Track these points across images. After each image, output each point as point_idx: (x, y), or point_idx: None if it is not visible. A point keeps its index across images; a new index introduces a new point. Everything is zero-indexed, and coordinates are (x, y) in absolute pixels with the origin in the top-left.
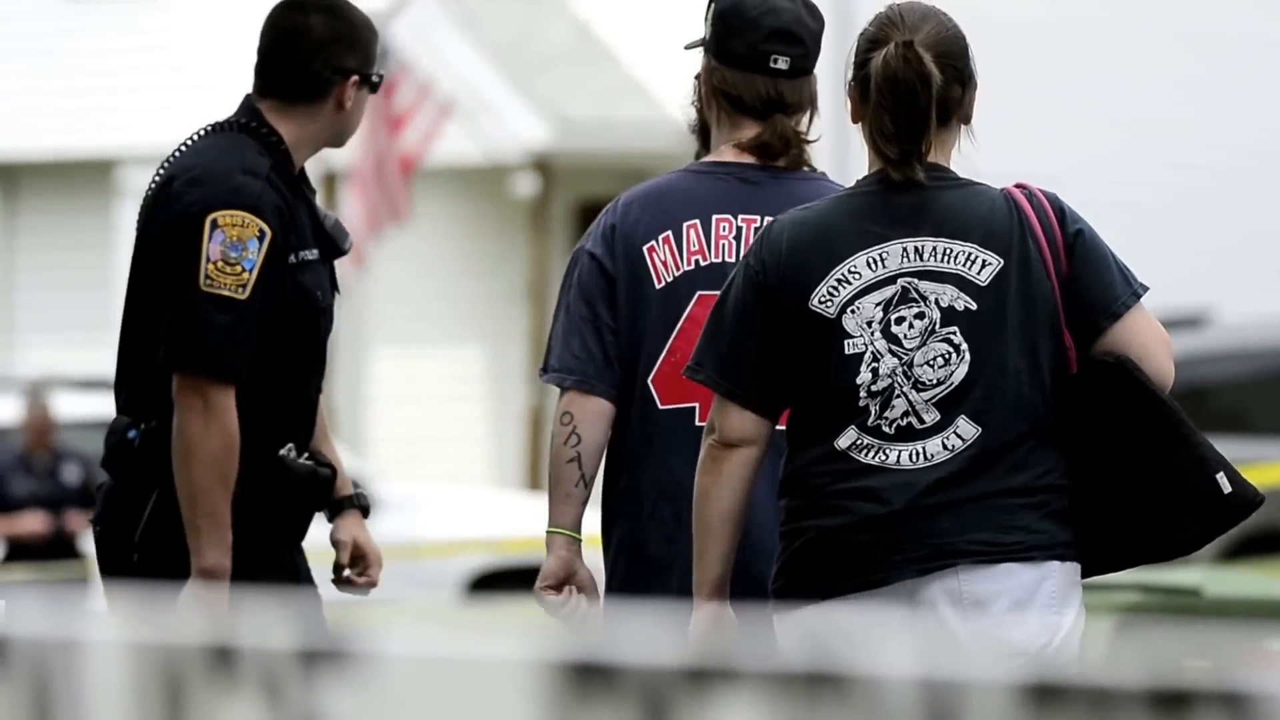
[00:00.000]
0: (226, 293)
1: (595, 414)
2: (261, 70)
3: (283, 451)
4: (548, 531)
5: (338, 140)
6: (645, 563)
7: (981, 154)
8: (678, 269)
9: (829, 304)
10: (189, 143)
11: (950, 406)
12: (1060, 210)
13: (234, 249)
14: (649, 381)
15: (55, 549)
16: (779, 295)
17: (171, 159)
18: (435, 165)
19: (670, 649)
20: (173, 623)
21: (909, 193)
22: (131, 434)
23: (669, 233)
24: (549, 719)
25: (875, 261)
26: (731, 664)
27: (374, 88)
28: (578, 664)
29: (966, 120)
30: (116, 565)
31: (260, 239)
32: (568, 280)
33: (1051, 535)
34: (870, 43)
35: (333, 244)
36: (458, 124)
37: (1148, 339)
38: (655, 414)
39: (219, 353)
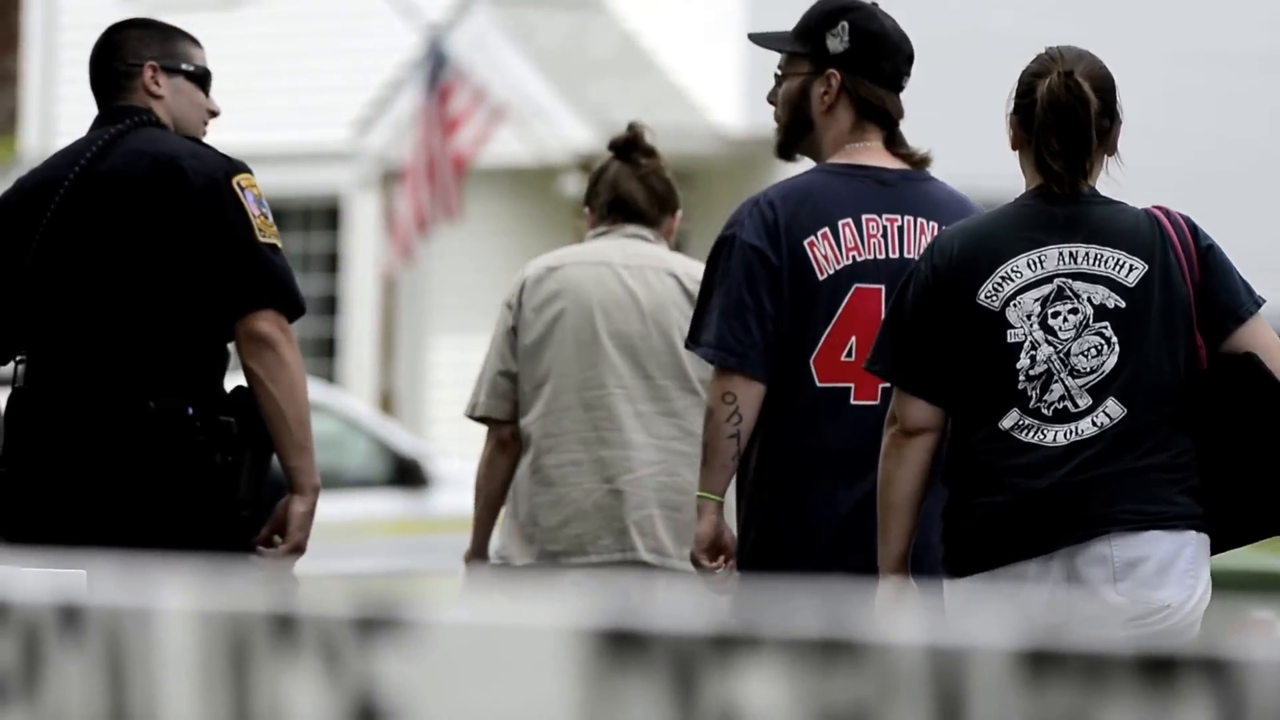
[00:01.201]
0: (274, 240)
1: (755, 397)
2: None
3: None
4: (700, 497)
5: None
6: (798, 523)
7: (997, 160)
8: (837, 263)
9: (994, 299)
10: (106, 138)
11: (1100, 391)
12: (1193, 228)
13: (261, 204)
14: (810, 362)
15: None
16: (950, 293)
17: (105, 154)
18: (488, 166)
19: (698, 618)
20: (239, 592)
21: (1064, 206)
22: (190, 411)
23: (826, 229)
24: (586, 684)
25: (1035, 263)
26: (754, 632)
27: (188, 76)
28: (613, 632)
29: (1112, 151)
30: (200, 536)
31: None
32: (721, 264)
33: (1188, 508)
34: (1033, 76)
35: None
36: (510, 128)
37: (1268, 342)
38: (814, 390)
39: (293, 290)
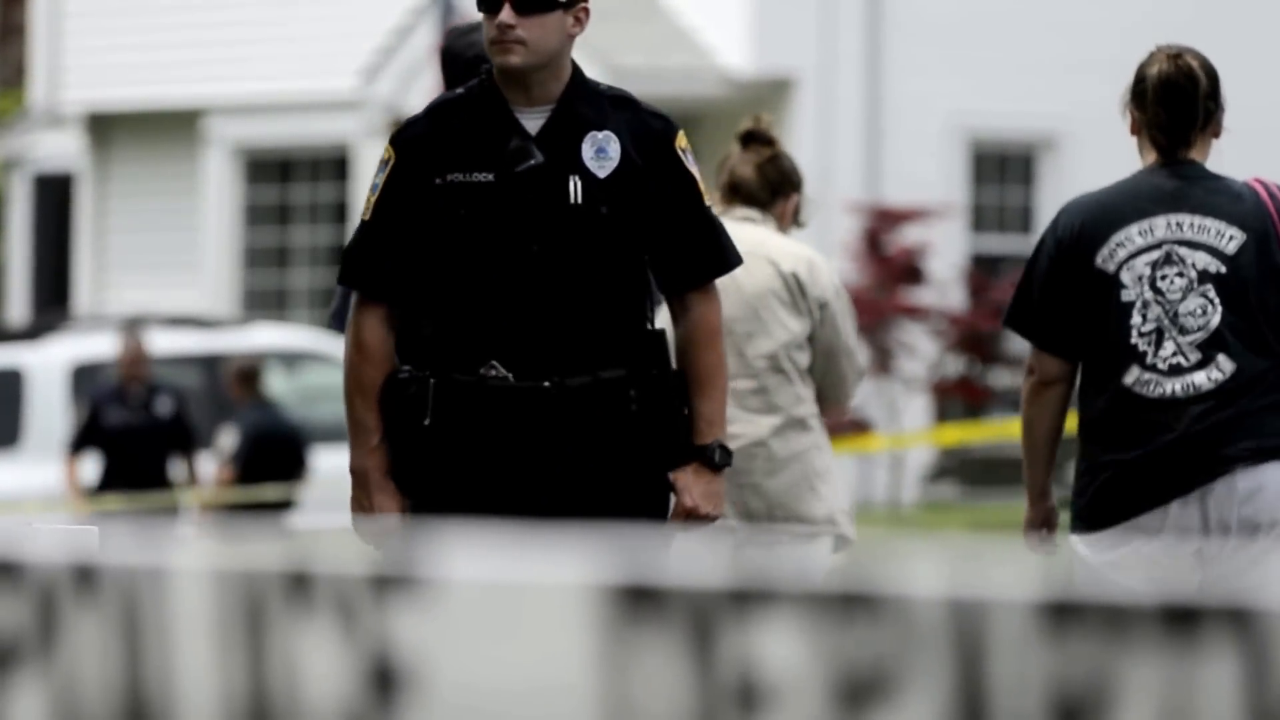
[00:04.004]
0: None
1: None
2: None
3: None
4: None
5: None
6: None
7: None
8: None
9: (1109, 262)
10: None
11: (1209, 347)
12: None
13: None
14: None
15: (148, 479)
16: (1073, 258)
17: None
18: None
19: (715, 572)
20: (253, 551)
21: (1172, 180)
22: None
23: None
24: (602, 640)
25: (1145, 231)
26: (771, 586)
27: None
28: (629, 587)
29: (1217, 134)
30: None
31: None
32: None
33: None
34: (1146, 65)
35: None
36: None
37: None
38: None
39: None
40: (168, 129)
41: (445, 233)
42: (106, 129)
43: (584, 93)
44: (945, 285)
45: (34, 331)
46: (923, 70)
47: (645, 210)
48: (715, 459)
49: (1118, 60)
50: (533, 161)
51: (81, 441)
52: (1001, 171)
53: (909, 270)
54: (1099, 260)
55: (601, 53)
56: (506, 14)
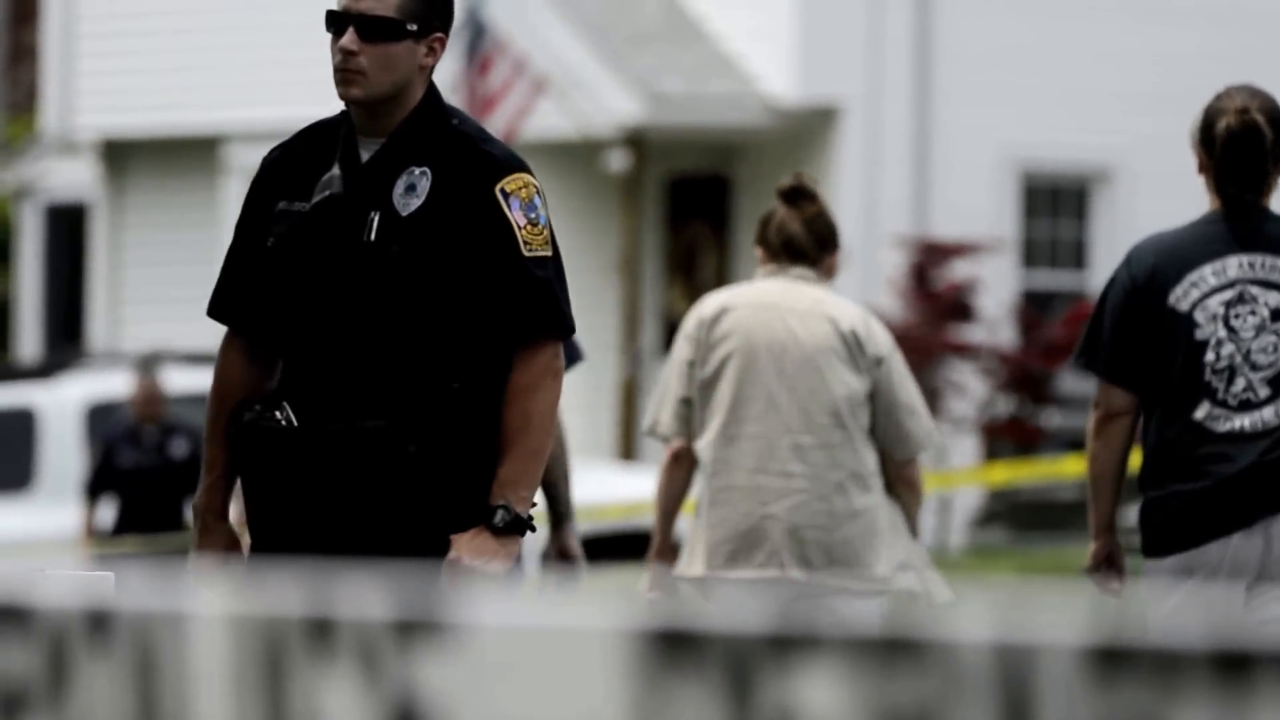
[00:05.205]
0: None
1: None
2: None
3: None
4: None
5: None
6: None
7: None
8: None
9: (1182, 302)
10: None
11: (1277, 382)
12: None
13: None
14: None
15: (164, 521)
16: (1146, 297)
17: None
18: (529, 141)
19: (753, 618)
20: (273, 596)
21: (1243, 221)
22: None
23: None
24: (636, 687)
25: (1219, 271)
26: (812, 632)
27: None
28: (664, 633)
29: None
30: None
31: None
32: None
33: None
34: (1214, 112)
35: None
36: (552, 100)
37: None
38: None
39: None
40: (186, 156)
41: (264, 263)
42: (122, 156)
43: (423, 125)
44: (995, 322)
45: (46, 369)
46: (973, 99)
47: (451, 255)
48: (495, 520)
49: (1173, 91)
50: (328, 193)
51: (97, 486)
52: (1054, 204)
53: (958, 307)
54: (1172, 299)
55: (640, 79)
56: (349, 39)
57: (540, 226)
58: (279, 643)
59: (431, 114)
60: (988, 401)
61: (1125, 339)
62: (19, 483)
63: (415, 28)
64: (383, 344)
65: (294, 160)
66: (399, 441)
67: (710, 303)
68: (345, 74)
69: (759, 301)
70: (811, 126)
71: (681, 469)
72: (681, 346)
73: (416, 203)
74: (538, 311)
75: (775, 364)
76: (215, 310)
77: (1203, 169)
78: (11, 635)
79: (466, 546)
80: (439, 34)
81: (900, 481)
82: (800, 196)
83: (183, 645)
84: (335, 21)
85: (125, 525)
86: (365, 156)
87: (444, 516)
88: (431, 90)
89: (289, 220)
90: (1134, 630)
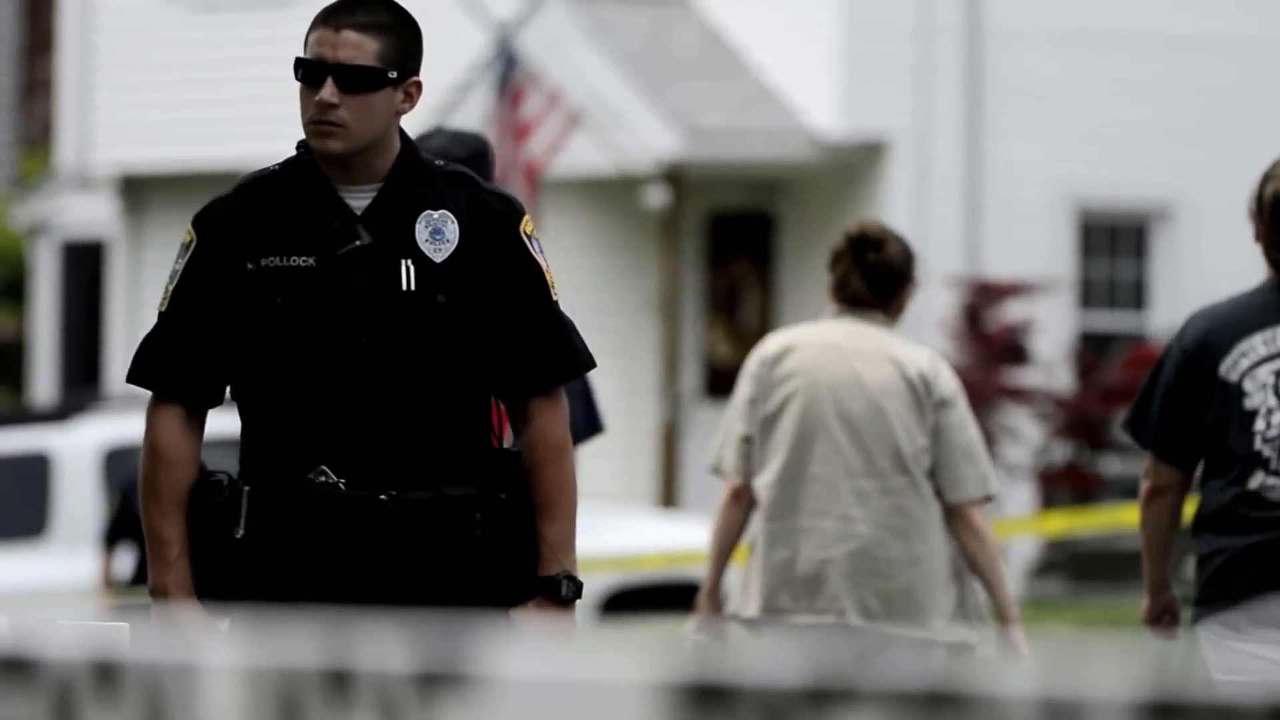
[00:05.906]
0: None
1: None
2: None
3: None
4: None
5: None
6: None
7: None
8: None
9: (1232, 372)
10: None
11: None
12: None
13: None
14: None
15: None
16: (1197, 368)
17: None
18: (565, 176)
19: (790, 669)
20: (288, 646)
21: None
22: None
23: None
24: None
25: (1269, 340)
26: (851, 684)
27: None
28: (697, 685)
29: None
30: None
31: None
32: None
33: None
34: (1264, 179)
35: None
36: (587, 134)
37: None
38: None
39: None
40: (206, 192)
41: (260, 323)
42: (140, 192)
43: (416, 169)
44: (1051, 365)
45: (62, 412)
46: (1026, 134)
47: (486, 301)
48: (562, 592)
49: (1234, 127)
50: (358, 243)
51: (115, 533)
52: (1112, 243)
53: (1012, 349)
54: (1222, 370)
55: (680, 112)
56: (329, 91)
57: (548, 269)
58: (295, 695)
59: (418, 157)
60: (1044, 448)
61: (1174, 414)
62: (34, 530)
63: (395, 74)
64: (430, 398)
65: (252, 218)
66: (472, 509)
67: (774, 342)
68: (323, 128)
69: (823, 341)
70: (858, 162)
71: (740, 507)
72: (744, 385)
73: (448, 248)
74: (567, 354)
75: (837, 406)
76: (147, 377)
77: (1258, 237)
78: (16, 687)
79: (536, 623)
80: (415, 79)
81: (965, 530)
82: (865, 247)
83: (194, 698)
84: (309, 71)
85: (144, 575)
86: (359, 206)
87: (506, 587)
88: (404, 132)
89: (294, 277)
90: (1187, 684)
